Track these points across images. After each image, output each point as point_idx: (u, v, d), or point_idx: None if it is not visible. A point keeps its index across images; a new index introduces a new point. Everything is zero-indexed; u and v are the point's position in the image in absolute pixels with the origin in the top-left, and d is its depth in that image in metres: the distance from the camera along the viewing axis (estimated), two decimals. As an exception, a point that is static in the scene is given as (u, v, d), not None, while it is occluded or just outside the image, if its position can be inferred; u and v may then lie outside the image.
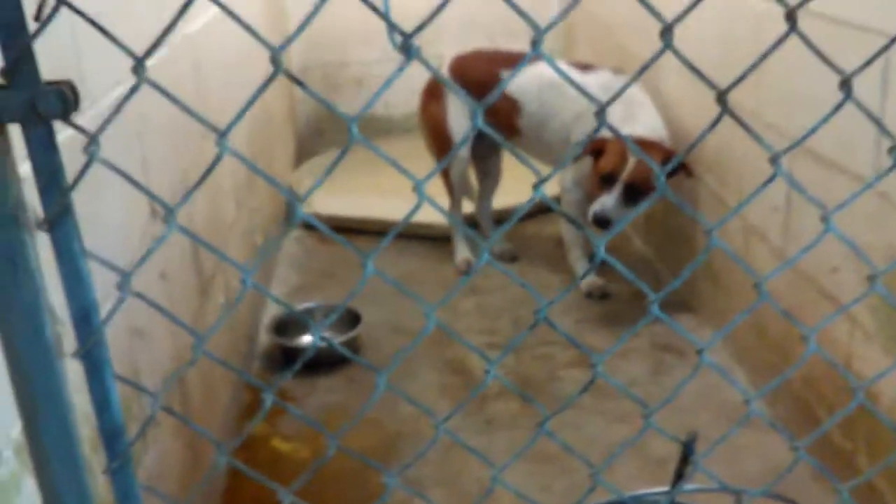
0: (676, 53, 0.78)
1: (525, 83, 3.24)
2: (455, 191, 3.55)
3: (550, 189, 3.79)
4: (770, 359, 2.52)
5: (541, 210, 3.91)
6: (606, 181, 2.91)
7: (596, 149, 2.96)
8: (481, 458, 1.03)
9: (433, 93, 3.49)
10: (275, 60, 0.74)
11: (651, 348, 2.89)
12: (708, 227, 0.89)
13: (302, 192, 4.05)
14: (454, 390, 2.70)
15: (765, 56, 0.81)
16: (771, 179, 0.86)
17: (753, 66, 0.81)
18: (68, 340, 0.89)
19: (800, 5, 0.78)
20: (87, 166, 0.78)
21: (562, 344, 2.90)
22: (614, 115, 3.01)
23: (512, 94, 3.28)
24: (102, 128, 0.78)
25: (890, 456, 1.88)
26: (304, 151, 4.86)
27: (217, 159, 0.77)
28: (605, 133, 3.01)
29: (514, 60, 3.35)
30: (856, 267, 2.01)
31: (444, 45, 3.99)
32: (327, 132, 4.95)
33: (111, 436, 0.89)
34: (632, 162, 2.87)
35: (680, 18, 0.77)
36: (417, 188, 0.83)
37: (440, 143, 3.49)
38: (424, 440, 2.43)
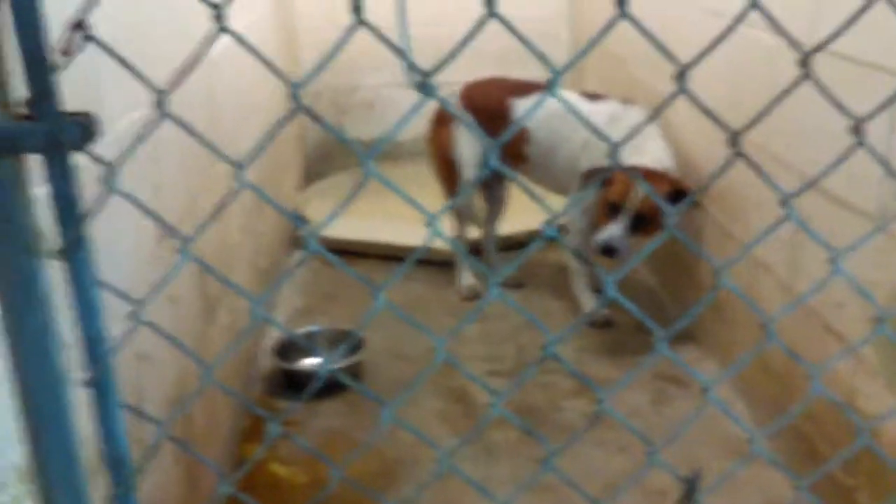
0: (691, 97, 0.79)
1: (534, 112, 3.25)
2: (461, 216, 3.56)
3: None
4: (773, 392, 2.51)
5: (548, 237, 3.91)
6: (613, 210, 2.92)
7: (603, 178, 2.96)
8: (483, 491, 1.03)
9: (442, 119, 3.51)
10: (295, 97, 0.75)
11: (653, 378, 2.89)
12: (717, 267, 0.89)
13: (309, 214, 4.06)
14: (455, 418, 2.69)
15: (777, 100, 0.82)
16: (781, 221, 0.86)
17: (766, 111, 0.82)
18: (75, 367, 0.89)
19: (814, 51, 0.79)
20: (105, 197, 0.79)
21: (564, 372, 2.89)
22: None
23: (520, 122, 3.29)
24: (122, 159, 0.79)
25: (891, 493, 1.87)
26: (312, 173, 4.87)
27: (234, 193, 0.78)
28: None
29: (524, 89, 3.38)
30: (861, 303, 2.01)
31: (455, 73, 4.01)
32: (336, 155, 4.96)
33: (116, 464, 0.89)
34: (639, 192, 2.87)
35: (694, 63, 0.78)
36: (431, 223, 0.83)
37: (448, 169, 3.50)
38: (424, 467, 2.42)
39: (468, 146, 3.43)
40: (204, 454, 2.02)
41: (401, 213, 3.34)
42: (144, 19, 1.75)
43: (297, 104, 0.73)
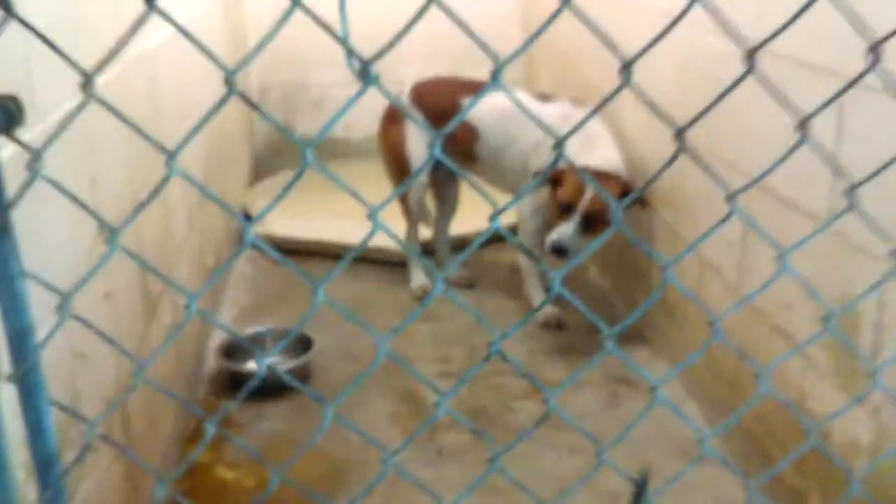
0: (636, 90, 0.77)
1: (484, 111, 3.25)
2: (413, 216, 3.54)
3: (508, 217, 3.80)
4: (722, 392, 2.53)
5: (498, 237, 3.90)
6: (565, 211, 2.92)
7: (554, 178, 2.97)
8: (431, 494, 1.00)
9: (393, 117, 3.49)
10: (229, 82, 0.72)
11: (605, 380, 2.89)
12: (664, 264, 0.88)
13: (256, 212, 4.01)
14: (405, 419, 2.66)
15: (722, 96, 0.81)
16: (727, 218, 0.85)
17: (711, 106, 0.81)
18: (4, 362, 0.85)
19: (759, 46, 0.79)
20: (29, 183, 0.75)
21: (515, 374, 2.88)
22: (573, 146, 3.03)
23: (471, 121, 3.29)
24: (47, 144, 0.75)
25: (841, 494, 1.89)
26: (261, 170, 4.81)
27: (164, 181, 0.74)
28: (563, 163, 3.03)
29: (474, 88, 3.37)
30: (809, 304, 2.03)
31: (407, 71, 3.99)
32: (286, 152, 4.91)
33: (44, 464, 0.85)
34: (589, 192, 2.88)
35: (639, 56, 0.77)
36: (372, 216, 0.81)
37: (399, 167, 3.48)
38: (373, 469, 2.39)
39: (419, 144, 3.41)
40: (145, 455, 1.96)
41: (350, 213, 3.31)
42: (84, 12, 1.69)
43: (231, 89, 0.70)
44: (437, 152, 0.80)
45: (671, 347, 2.93)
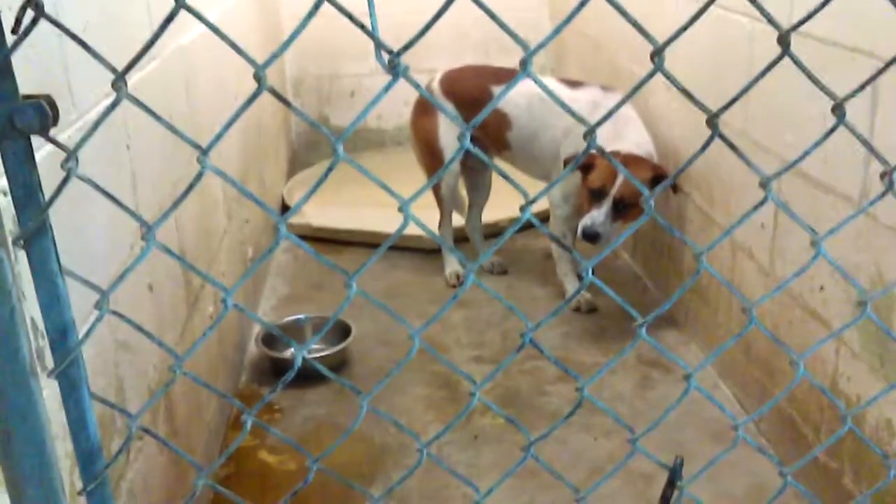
0: (668, 76, 0.77)
1: (515, 98, 3.24)
2: (445, 204, 3.55)
3: (539, 204, 3.79)
4: (755, 375, 2.51)
5: (530, 224, 3.90)
6: (596, 196, 2.91)
7: (585, 164, 2.95)
8: (466, 482, 1.02)
9: (425, 107, 3.49)
10: (258, 78, 0.73)
11: (637, 363, 2.88)
12: (698, 251, 0.88)
13: (293, 204, 4.04)
14: (441, 404, 2.68)
15: (755, 81, 0.81)
16: (761, 203, 0.85)
17: (744, 91, 0.80)
18: (50, 356, 0.87)
19: (792, 29, 0.78)
20: (64, 183, 0.77)
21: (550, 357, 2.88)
22: (603, 132, 3.00)
23: (502, 108, 3.28)
24: (80, 144, 0.77)
25: (874, 474, 1.87)
26: (298, 162, 4.84)
27: (197, 177, 0.76)
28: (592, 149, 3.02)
29: (504, 76, 3.36)
30: (843, 286, 2.01)
31: (437, 61, 3.99)
32: (322, 143, 4.94)
33: (87, 456, 0.87)
34: (621, 177, 2.86)
35: (670, 41, 0.77)
36: (403, 208, 0.82)
37: (431, 157, 3.48)
38: (410, 452, 2.41)
39: (451, 134, 3.41)
40: (189, 442, 2.00)
41: (385, 201, 3.32)
42: (120, 11, 1.72)
43: (261, 85, 0.71)
44: (467, 143, 0.80)
45: (704, 330, 2.91)
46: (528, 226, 3.70)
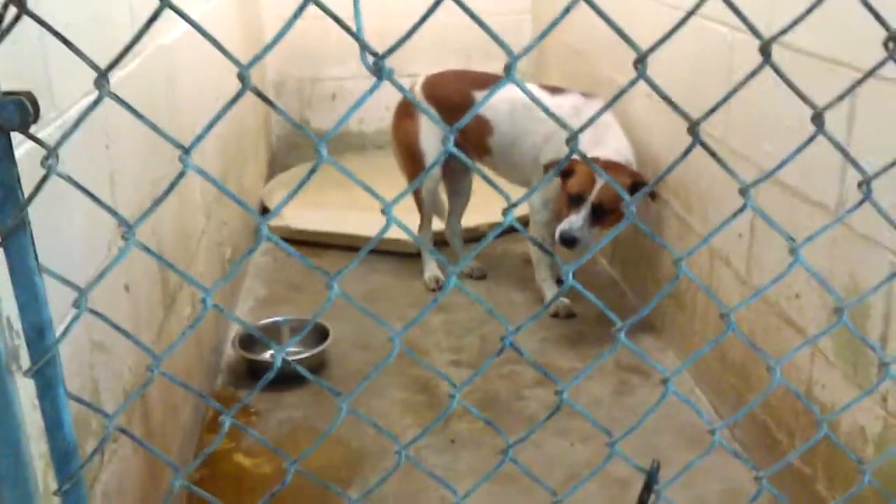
0: (651, 84, 0.78)
1: (497, 104, 3.26)
2: (425, 209, 3.55)
3: (519, 209, 3.79)
4: (731, 381, 2.53)
5: (510, 229, 3.90)
6: (575, 202, 2.92)
7: (565, 170, 2.97)
8: (444, 484, 1.02)
9: (406, 111, 3.49)
10: (242, 77, 0.73)
11: (615, 369, 2.90)
12: (677, 257, 0.89)
13: (273, 206, 4.03)
14: (419, 408, 2.68)
15: (736, 89, 0.81)
16: (741, 210, 0.86)
17: (725, 99, 0.81)
18: (26, 355, 0.86)
19: (773, 38, 0.79)
20: (43, 180, 0.76)
21: (527, 363, 2.89)
22: (583, 138, 3.00)
23: (483, 114, 3.29)
24: (61, 141, 0.76)
25: (848, 481, 1.89)
26: (277, 164, 4.83)
27: (179, 176, 0.75)
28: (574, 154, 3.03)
29: (486, 81, 3.37)
30: (818, 294, 2.03)
31: (419, 66, 3.99)
32: (301, 145, 4.93)
33: (62, 456, 0.86)
34: (599, 183, 2.88)
35: (654, 48, 0.77)
36: (386, 211, 0.82)
37: (412, 161, 3.48)
38: (388, 456, 2.41)
39: (432, 138, 3.42)
40: (164, 444, 1.98)
41: (366, 204, 3.32)
42: (103, 10, 1.70)
43: (245, 85, 0.71)
44: (451, 147, 0.80)
45: (680, 337, 2.93)
46: (507, 231, 3.70)
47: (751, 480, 2.30)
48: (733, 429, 2.51)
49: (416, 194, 3.50)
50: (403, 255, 3.72)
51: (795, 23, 0.80)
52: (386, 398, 2.71)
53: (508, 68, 0.78)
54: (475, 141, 3.35)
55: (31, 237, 0.78)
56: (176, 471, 0.91)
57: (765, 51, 0.81)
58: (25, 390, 0.87)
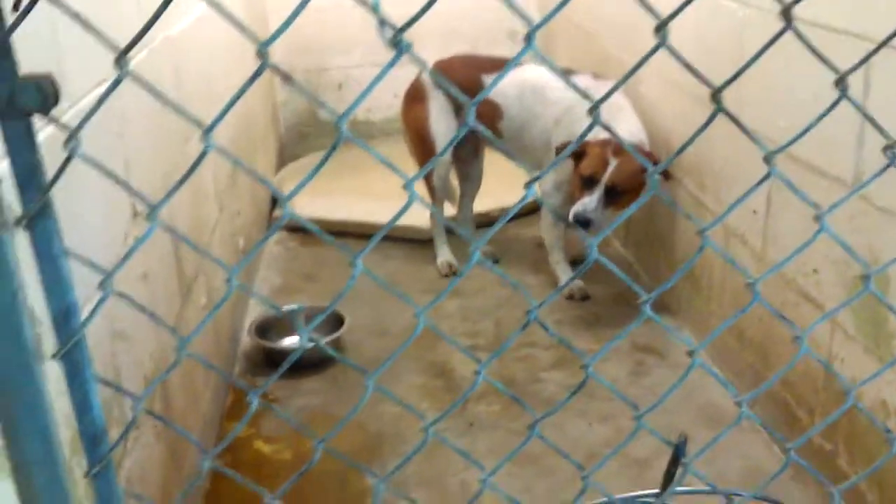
0: (672, 51, 0.77)
1: (506, 87, 3.25)
2: (437, 194, 3.54)
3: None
4: (749, 359, 2.52)
5: (522, 212, 3.92)
6: (587, 183, 2.91)
7: (577, 152, 2.96)
8: (472, 461, 1.02)
9: (415, 96, 3.48)
10: (262, 54, 0.72)
11: (632, 349, 2.89)
12: (700, 228, 0.88)
13: (285, 194, 4.03)
14: (436, 392, 2.68)
15: (758, 56, 0.81)
16: (766, 178, 0.85)
17: (745, 67, 0.80)
18: (48, 341, 0.87)
19: (794, 3, 0.78)
20: (66, 162, 0.76)
21: (544, 346, 2.89)
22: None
23: (493, 97, 3.28)
24: (83, 123, 0.76)
25: (870, 456, 1.89)
26: (286, 155, 4.83)
27: (202, 155, 0.75)
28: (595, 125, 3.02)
29: (495, 66, 3.36)
30: (836, 269, 2.02)
31: (426, 52, 3.96)
32: (310, 136, 4.93)
33: (92, 440, 0.86)
34: (613, 164, 2.87)
35: (674, 15, 0.76)
36: (408, 187, 0.81)
37: (422, 145, 3.48)
38: (406, 441, 2.42)
39: (442, 122, 3.41)
40: (184, 429, 1.99)
41: (377, 192, 3.33)
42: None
43: (265, 61, 0.71)
44: (472, 120, 0.80)
45: (696, 316, 2.92)
46: (519, 215, 3.67)
47: (770, 457, 2.30)
48: (752, 406, 2.50)
49: (428, 180, 3.49)
50: (416, 242, 3.72)
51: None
52: (403, 382, 2.71)
53: (529, 38, 0.77)
54: (485, 125, 3.33)
55: (56, 220, 0.78)
56: (204, 453, 0.91)
57: (787, 15, 0.80)
58: (51, 376, 0.87)
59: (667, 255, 3.15)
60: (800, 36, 0.79)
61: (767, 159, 0.83)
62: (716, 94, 0.82)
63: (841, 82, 0.82)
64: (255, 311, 3.14)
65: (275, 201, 4.13)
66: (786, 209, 2.25)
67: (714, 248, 0.90)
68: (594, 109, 0.80)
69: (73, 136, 0.76)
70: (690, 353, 0.94)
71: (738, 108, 2.43)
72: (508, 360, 2.84)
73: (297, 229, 3.82)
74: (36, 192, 0.77)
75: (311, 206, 3.91)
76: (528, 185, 0.87)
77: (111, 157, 1.60)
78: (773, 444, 2.32)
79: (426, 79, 3.43)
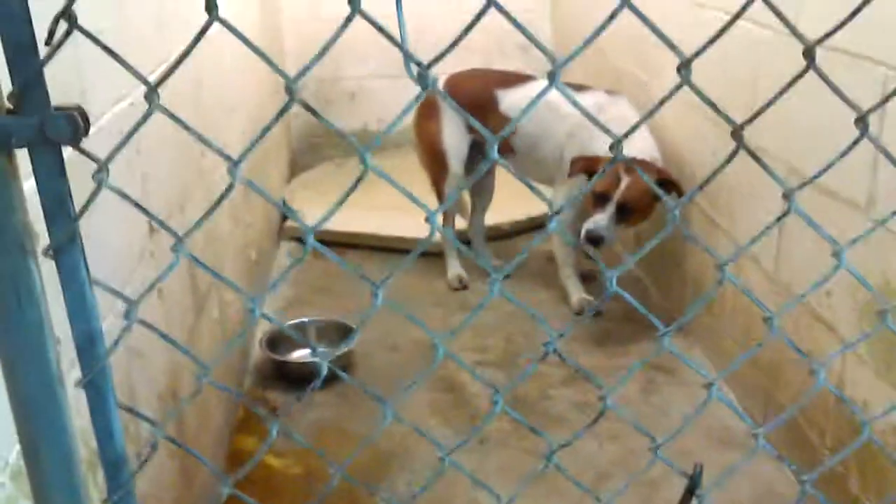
0: (695, 90, 0.77)
1: (519, 103, 3.27)
2: (449, 208, 3.55)
3: (542, 207, 3.80)
4: (761, 381, 2.52)
5: (533, 226, 3.92)
6: (599, 200, 2.92)
7: (589, 168, 2.96)
8: (487, 488, 1.02)
9: (428, 110, 3.49)
10: (290, 91, 0.73)
11: (642, 367, 2.89)
12: (721, 262, 0.88)
13: (296, 205, 4.06)
14: (445, 408, 2.68)
15: (781, 93, 0.81)
16: (785, 214, 0.85)
17: (769, 104, 0.81)
18: (66, 360, 0.87)
19: (818, 42, 0.78)
20: (95, 193, 0.77)
21: (554, 362, 2.89)
22: (608, 136, 3.02)
23: (506, 113, 3.30)
24: (111, 156, 0.77)
25: (881, 477, 1.88)
26: (297, 165, 4.85)
27: (229, 188, 0.76)
28: (598, 152, 3.04)
29: (509, 80, 3.38)
30: (850, 291, 2.02)
31: (440, 64, 3.98)
32: (321, 146, 4.95)
33: (114, 465, 0.87)
34: (625, 182, 2.88)
35: (699, 54, 0.77)
36: (430, 220, 0.82)
37: (434, 159, 3.49)
38: (415, 458, 2.41)
39: (455, 138, 3.42)
40: (196, 447, 2.00)
41: (388, 204, 3.34)
42: (131, 19, 1.72)
43: (292, 98, 0.71)
44: (494, 154, 0.81)
45: (708, 337, 2.92)
46: (530, 228, 3.66)
47: (784, 482, 2.29)
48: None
49: (440, 194, 3.50)
50: (426, 254, 3.72)
51: (839, 27, 0.80)
52: (412, 397, 2.71)
53: (553, 76, 0.78)
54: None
55: (82, 249, 0.79)
56: (223, 478, 0.92)
57: (809, 54, 0.81)
58: (70, 398, 0.88)
59: (679, 271, 3.15)
60: (821, 75, 0.79)
61: (787, 196, 0.84)
62: (737, 132, 0.82)
63: (862, 121, 0.83)
64: (265, 323, 3.15)
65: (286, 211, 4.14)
66: (799, 230, 2.25)
67: (733, 281, 0.90)
68: (616, 146, 0.81)
69: (102, 167, 0.77)
70: (709, 386, 0.94)
71: (755, 133, 2.43)
72: (518, 375, 2.84)
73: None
74: (64, 221, 0.78)
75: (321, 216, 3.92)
76: (550, 218, 0.87)
77: (129, 172, 1.61)
78: (784, 465, 2.32)
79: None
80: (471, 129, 3.40)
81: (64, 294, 0.80)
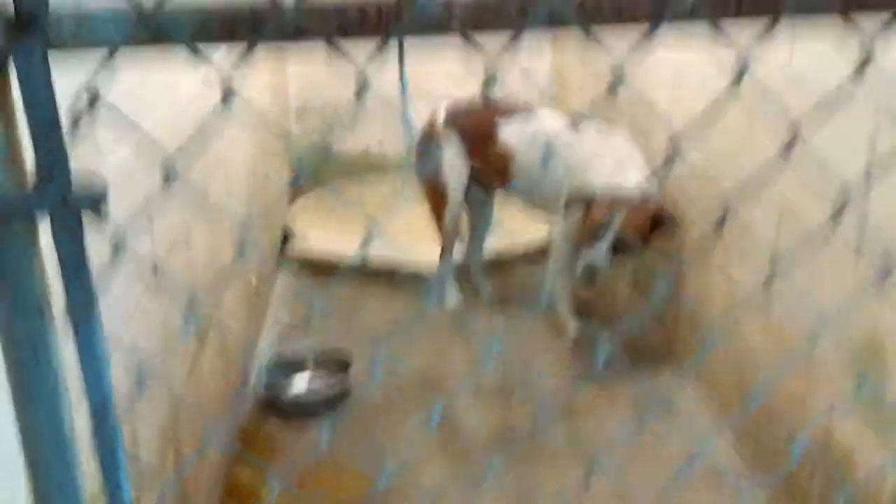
0: (684, 160, 0.81)
1: (519, 134, 3.32)
2: (447, 236, 3.58)
3: (539, 238, 3.82)
4: (755, 416, 2.54)
5: (529, 252, 3.95)
6: (596, 233, 2.95)
7: (587, 201, 3.01)
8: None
9: (429, 140, 3.51)
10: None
11: (633, 402, 2.90)
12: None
13: (297, 228, 4.10)
14: (440, 441, 2.69)
15: (770, 164, 0.85)
16: (770, 279, 0.89)
17: (762, 177, 0.84)
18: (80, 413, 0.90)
19: (797, 136, 0.82)
20: (115, 261, 0.80)
21: (547, 396, 2.93)
22: (604, 168, 3.07)
23: (507, 143, 3.35)
24: (132, 221, 0.81)
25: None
26: (298, 188, 4.89)
27: (241, 250, 0.79)
28: (596, 184, 3.07)
29: (510, 109, 3.43)
30: (835, 333, 2.04)
31: (439, 90, 4.02)
32: (322, 169, 4.99)
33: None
34: (621, 216, 2.91)
35: (690, 131, 0.81)
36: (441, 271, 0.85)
37: (434, 192, 3.52)
38: (410, 494, 2.40)
39: (455, 167, 3.45)
40: (194, 482, 2.02)
41: (389, 228, 3.35)
42: (143, 89, 1.74)
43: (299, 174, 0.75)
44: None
45: (700, 369, 2.94)
46: (526, 257, 3.65)
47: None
48: (753, 467, 2.51)
49: (439, 221, 3.53)
50: (423, 278, 3.73)
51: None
52: (407, 429, 2.72)
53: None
54: (498, 167, 3.39)
55: (99, 314, 0.82)
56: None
57: (791, 133, 0.85)
58: (85, 455, 0.91)
59: (673, 304, 3.18)
60: (807, 152, 0.83)
61: (766, 283, 0.87)
62: (725, 212, 0.86)
63: (844, 196, 0.86)
64: (265, 351, 3.18)
65: (286, 236, 4.17)
66: (790, 268, 2.28)
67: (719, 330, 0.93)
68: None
69: (120, 234, 0.81)
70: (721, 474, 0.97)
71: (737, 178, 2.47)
72: (511, 405, 2.87)
73: (308, 263, 3.87)
74: (83, 287, 0.81)
75: (323, 240, 3.95)
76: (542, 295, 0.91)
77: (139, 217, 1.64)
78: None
79: (440, 120, 3.47)
80: (471, 156, 3.44)
81: (79, 359, 0.84)
